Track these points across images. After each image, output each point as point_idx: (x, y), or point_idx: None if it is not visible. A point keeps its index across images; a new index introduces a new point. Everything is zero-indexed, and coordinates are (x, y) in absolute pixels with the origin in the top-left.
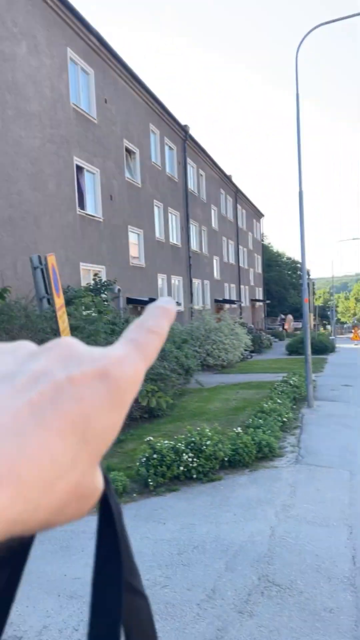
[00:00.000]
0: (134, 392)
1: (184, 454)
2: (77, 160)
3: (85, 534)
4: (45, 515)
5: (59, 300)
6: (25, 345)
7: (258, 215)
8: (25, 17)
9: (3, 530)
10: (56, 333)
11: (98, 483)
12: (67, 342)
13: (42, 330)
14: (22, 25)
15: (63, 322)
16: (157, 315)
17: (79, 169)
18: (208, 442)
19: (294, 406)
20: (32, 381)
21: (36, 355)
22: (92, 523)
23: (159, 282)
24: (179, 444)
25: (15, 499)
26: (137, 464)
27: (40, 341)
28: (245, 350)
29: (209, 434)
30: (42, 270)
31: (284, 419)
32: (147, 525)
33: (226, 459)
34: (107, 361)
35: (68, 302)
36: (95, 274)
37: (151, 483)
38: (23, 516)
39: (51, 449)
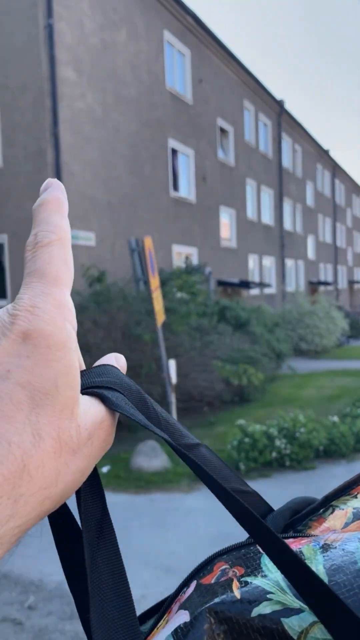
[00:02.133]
0: (63, 327)
1: (277, 440)
2: (171, 143)
3: (178, 511)
4: (50, 483)
5: (155, 282)
6: None
7: (358, 190)
8: (124, 3)
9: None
10: (150, 314)
11: (95, 416)
12: None
13: (137, 312)
14: (121, 12)
15: (158, 303)
16: (44, 218)
17: (174, 151)
18: (302, 430)
19: None
20: None
21: None
22: (186, 501)
23: (250, 263)
24: (271, 429)
25: None
26: (229, 447)
27: (136, 322)
28: (342, 335)
29: (303, 420)
30: (138, 253)
31: None
32: None
33: (321, 448)
34: (17, 323)
35: (161, 284)
36: (187, 257)
37: (243, 467)
38: (16, 509)
39: (4, 436)
